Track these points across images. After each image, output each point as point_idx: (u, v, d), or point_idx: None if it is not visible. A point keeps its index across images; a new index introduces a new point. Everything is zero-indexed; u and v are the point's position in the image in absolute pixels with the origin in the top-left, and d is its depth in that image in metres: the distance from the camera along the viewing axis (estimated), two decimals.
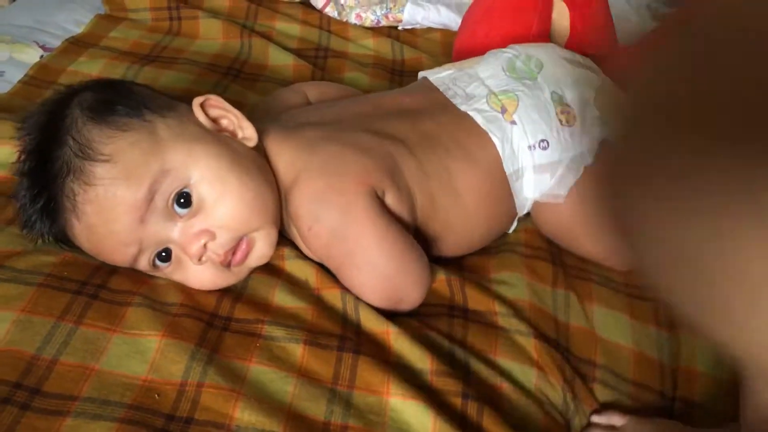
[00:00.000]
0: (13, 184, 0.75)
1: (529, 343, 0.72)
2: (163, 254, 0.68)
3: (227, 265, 0.69)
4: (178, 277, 0.70)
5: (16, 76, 1.02)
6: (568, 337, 0.76)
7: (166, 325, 0.65)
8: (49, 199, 0.66)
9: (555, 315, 0.77)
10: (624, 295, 0.82)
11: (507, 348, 0.72)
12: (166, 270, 0.70)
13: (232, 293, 0.71)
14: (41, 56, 1.08)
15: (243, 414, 0.59)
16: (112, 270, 0.70)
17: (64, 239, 0.70)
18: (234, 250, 0.69)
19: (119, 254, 0.68)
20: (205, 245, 0.67)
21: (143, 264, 0.69)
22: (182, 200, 0.66)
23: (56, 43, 1.11)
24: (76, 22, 1.17)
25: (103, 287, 0.68)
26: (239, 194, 0.68)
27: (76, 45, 1.10)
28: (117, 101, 0.68)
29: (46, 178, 0.66)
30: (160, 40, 1.15)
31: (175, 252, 0.69)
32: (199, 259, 0.68)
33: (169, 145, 0.67)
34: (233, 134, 0.74)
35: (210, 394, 0.60)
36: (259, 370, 0.64)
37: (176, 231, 0.67)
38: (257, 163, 0.73)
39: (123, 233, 0.66)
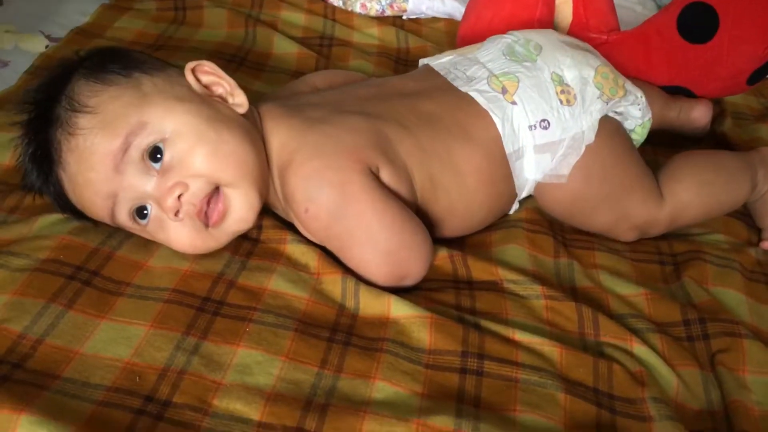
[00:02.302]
0: (15, 173, 0.76)
1: (540, 304, 0.73)
2: (145, 211, 0.69)
3: (205, 223, 0.69)
4: (161, 237, 0.70)
5: (21, 65, 1.03)
6: (576, 296, 0.76)
7: (155, 315, 0.64)
8: (38, 147, 0.69)
9: (559, 282, 0.77)
10: (629, 261, 0.82)
11: (518, 309, 0.72)
12: (149, 228, 0.70)
13: (227, 278, 0.70)
14: (46, 46, 1.09)
15: (221, 402, 0.59)
16: (108, 255, 0.70)
17: (62, 199, 0.71)
18: (209, 203, 0.69)
19: (96, 207, 0.69)
20: (179, 198, 0.67)
21: (123, 218, 0.69)
22: (158, 155, 0.67)
23: (62, 33, 1.11)
24: (81, 12, 1.17)
25: (97, 274, 0.68)
26: (215, 146, 0.68)
27: (82, 35, 1.10)
28: (112, 61, 0.70)
29: (39, 127, 0.69)
30: (165, 29, 1.16)
31: (155, 211, 0.69)
32: (176, 214, 0.67)
33: (150, 100, 0.68)
34: (224, 100, 0.74)
35: (191, 382, 0.60)
36: (246, 353, 0.63)
37: (151, 185, 0.67)
38: (244, 126, 0.72)
39: (99, 183, 0.67)
